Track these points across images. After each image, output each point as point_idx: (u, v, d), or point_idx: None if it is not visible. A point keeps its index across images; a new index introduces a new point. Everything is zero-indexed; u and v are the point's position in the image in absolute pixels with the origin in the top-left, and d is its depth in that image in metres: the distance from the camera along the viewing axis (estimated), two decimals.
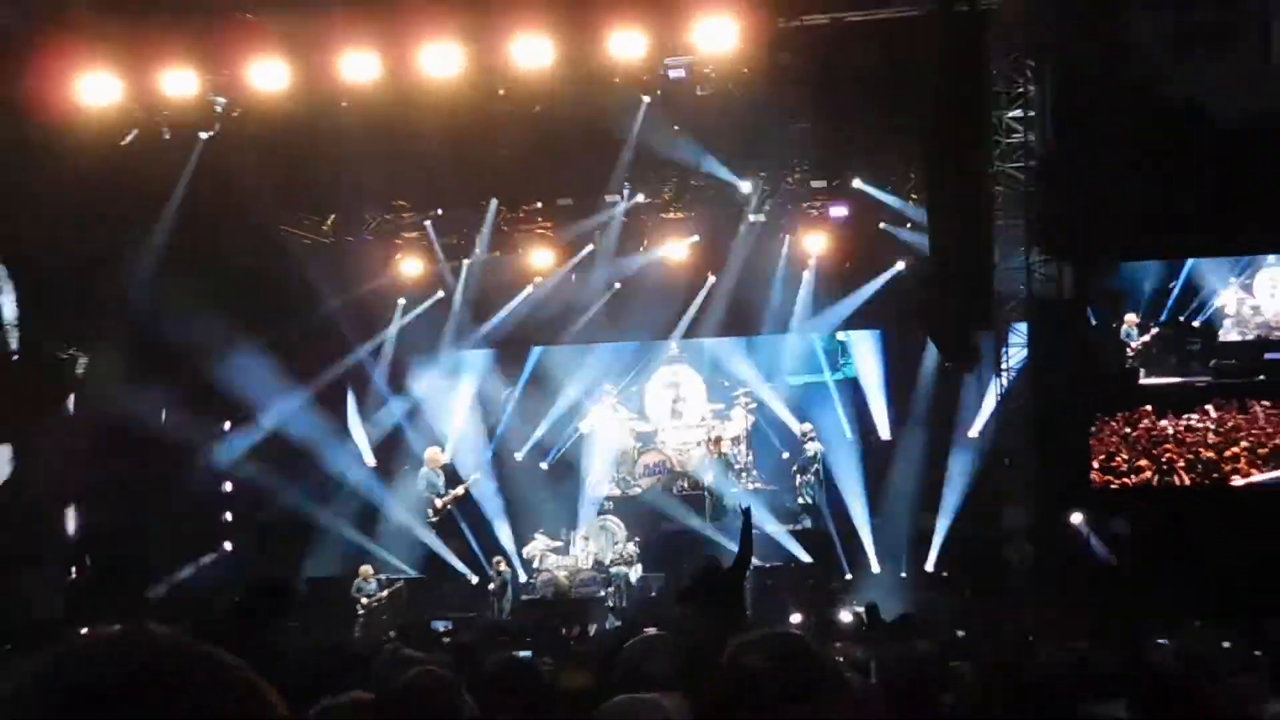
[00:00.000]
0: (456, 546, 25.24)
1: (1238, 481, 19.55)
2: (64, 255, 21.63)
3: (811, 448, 24.36)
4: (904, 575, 23.28)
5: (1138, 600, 16.79)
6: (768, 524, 22.97)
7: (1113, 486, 19.74)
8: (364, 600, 23.21)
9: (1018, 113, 19.56)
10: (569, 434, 25.79)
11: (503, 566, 23.66)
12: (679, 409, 25.84)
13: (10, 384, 20.43)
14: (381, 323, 25.99)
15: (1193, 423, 19.77)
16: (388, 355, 26.23)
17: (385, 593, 23.30)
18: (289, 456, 24.80)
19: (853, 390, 24.93)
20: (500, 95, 21.58)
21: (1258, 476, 19.53)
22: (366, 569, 23.93)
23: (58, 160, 21.32)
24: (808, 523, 24.06)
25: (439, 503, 24.96)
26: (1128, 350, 20.68)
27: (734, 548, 19.86)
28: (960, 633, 15.76)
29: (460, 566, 24.99)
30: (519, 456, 25.99)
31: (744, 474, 24.87)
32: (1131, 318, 20.63)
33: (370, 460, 26.24)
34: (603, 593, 23.47)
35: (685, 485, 25.04)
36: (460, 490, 24.92)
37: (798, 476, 24.41)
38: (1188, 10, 18.47)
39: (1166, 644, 10.53)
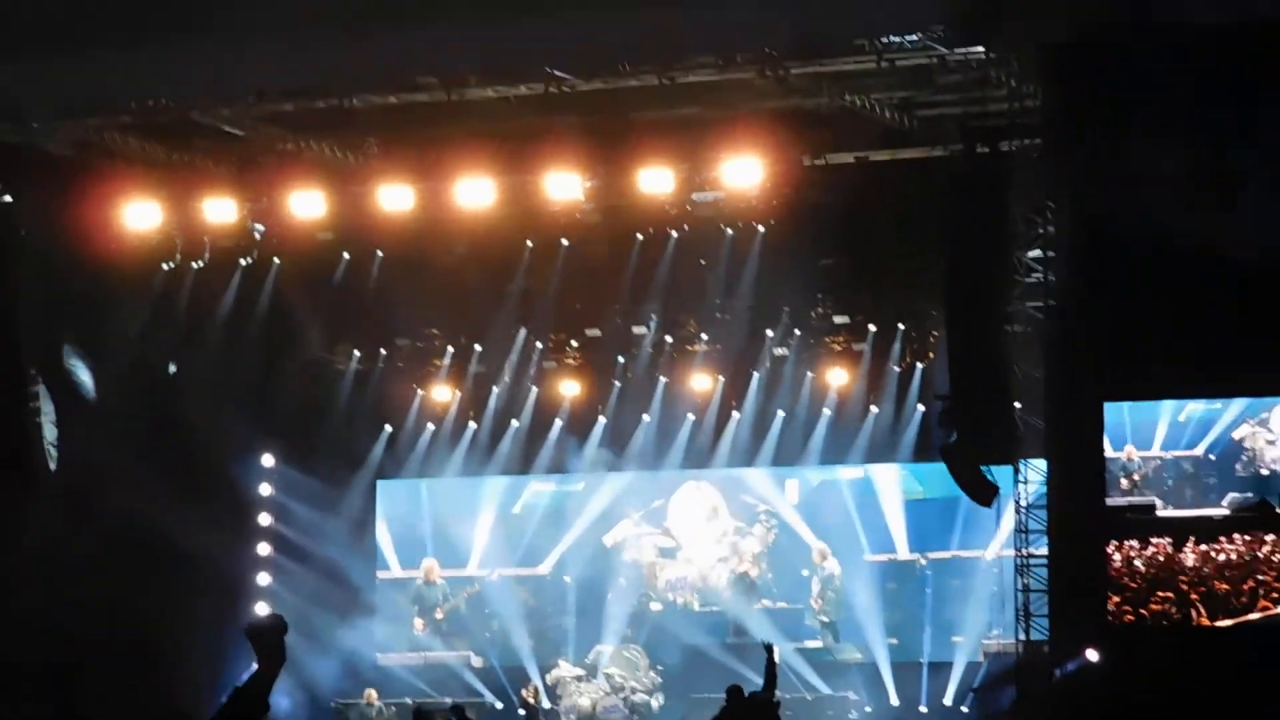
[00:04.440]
0: (478, 666, 25.36)
1: (1254, 617, 19.67)
2: (105, 372, 22.15)
3: (829, 567, 24.61)
4: (923, 709, 23.41)
5: None
6: (786, 644, 23.16)
7: (1128, 618, 19.87)
8: None
9: (1037, 252, 19.84)
10: (593, 548, 25.97)
11: (534, 697, 23.62)
12: (702, 526, 25.98)
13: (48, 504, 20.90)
14: (410, 447, 26.23)
15: (1209, 555, 19.90)
16: (415, 477, 26.43)
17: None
18: (314, 574, 25.06)
19: (872, 512, 25.03)
20: (531, 228, 22.15)
21: (1274, 612, 19.64)
22: (371, 693, 23.87)
23: (102, 283, 21.95)
24: (831, 639, 24.35)
25: (420, 622, 25.16)
26: (1125, 481, 20.73)
27: (749, 670, 20.14)
28: None
29: (481, 687, 25.06)
30: (544, 570, 26.02)
31: (763, 592, 25.11)
32: (1130, 449, 20.70)
33: (398, 570, 26.32)
34: None
35: (706, 603, 25.31)
36: (459, 601, 25.10)
37: (816, 596, 24.68)
38: (1202, 152, 18.83)
39: None
